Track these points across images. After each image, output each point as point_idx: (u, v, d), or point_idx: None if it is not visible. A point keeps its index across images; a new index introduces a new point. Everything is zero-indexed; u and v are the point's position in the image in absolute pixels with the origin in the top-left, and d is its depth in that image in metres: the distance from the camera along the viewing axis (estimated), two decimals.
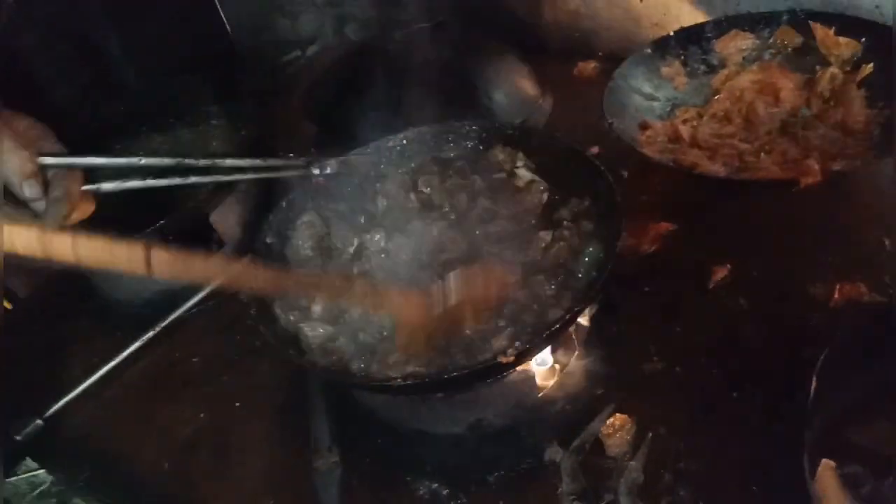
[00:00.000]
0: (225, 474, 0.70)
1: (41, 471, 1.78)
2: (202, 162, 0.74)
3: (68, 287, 1.02)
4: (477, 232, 0.70)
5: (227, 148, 1.02)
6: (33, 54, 1.49)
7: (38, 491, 1.77)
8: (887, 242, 0.71)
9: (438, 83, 1.00)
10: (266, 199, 0.83)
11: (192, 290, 0.88)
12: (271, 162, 0.77)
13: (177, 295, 0.88)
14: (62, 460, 0.78)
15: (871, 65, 0.83)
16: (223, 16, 1.21)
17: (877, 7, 0.86)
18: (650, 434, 0.61)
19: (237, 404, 0.77)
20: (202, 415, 0.77)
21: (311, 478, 0.65)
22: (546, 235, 0.67)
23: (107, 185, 0.69)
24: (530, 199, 0.73)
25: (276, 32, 1.33)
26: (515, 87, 1.07)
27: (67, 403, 0.80)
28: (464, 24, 1.13)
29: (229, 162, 0.76)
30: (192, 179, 0.73)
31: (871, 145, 0.76)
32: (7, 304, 1.36)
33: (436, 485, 0.63)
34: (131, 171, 0.71)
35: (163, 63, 1.19)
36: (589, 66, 1.11)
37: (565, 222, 0.68)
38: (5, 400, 0.81)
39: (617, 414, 0.61)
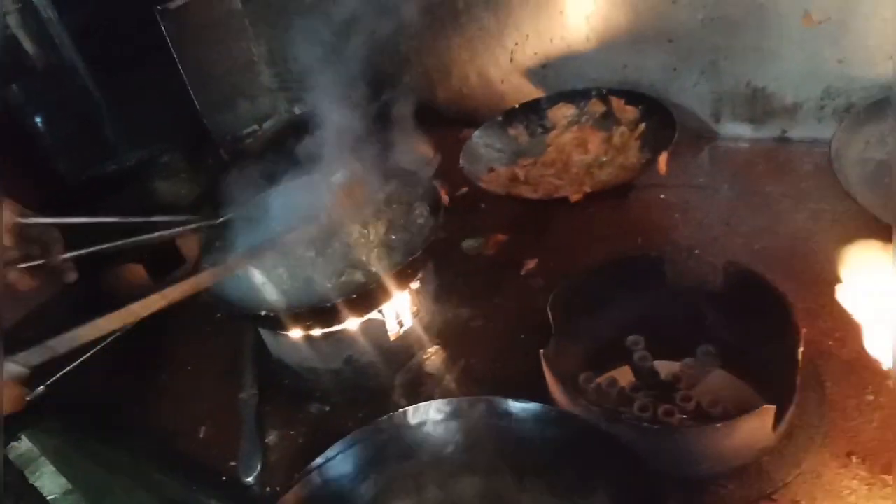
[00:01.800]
0: (179, 409, 0.98)
1: None
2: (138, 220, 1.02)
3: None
4: None
5: (192, 195, 1.35)
6: (41, 130, 1.87)
7: None
8: (640, 240, 1.04)
9: (352, 147, 1.36)
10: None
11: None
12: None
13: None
14: (67, 409, 1.05)
15: (644, 124, 1.19)
16: (195, 99, 1.56)
17: (651, 85, 1.23)
18: (463, 361, 0.91)
19: (189, 368, 1.06)
20: (163, 376, 1.05)
21: (237, 406, 0.94)
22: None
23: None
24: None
25: (238, 111, 1.69)
26: (413, 149, 1.41)
27: (69, 371, 1.08)
28: (376, 102, 1.50)
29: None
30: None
31: (634, 176, 1.11)
32: None
33: (321, 405, 0.92)
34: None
35: (147, 134, 1.53)
36: (472, 132, 1.46)
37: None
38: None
39: (435, 347, 0.92)
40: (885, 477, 0.67)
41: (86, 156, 1.80)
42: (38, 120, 2.31)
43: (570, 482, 0.70)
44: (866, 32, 1.01)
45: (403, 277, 0.90)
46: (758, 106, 1.16)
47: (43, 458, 1.62)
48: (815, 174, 1.06)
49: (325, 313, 0.86)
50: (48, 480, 2.04)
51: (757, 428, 0.67)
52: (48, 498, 1.80)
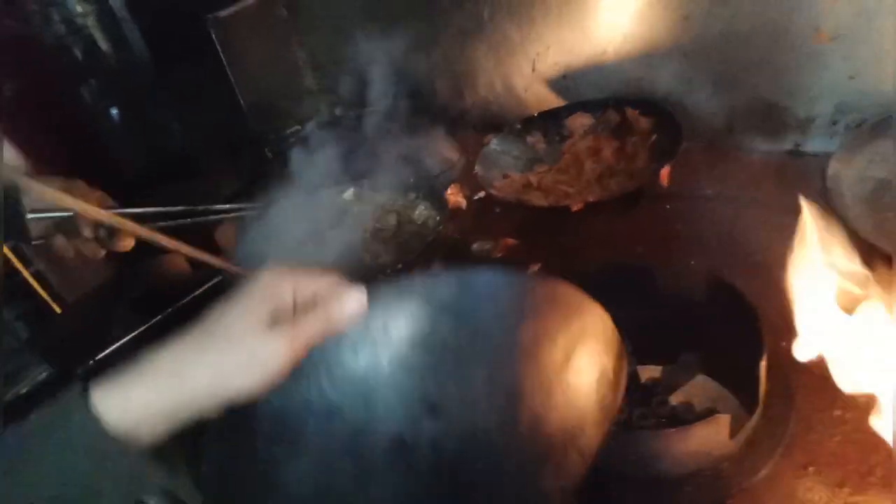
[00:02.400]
0: None
1: None
2: (202, 207, 1.15)
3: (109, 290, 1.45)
4: None
5: (234, 188, 1.45)
6: (115, 127, 2.04)
7: None
8: (640, 248, 1.08)
9: (384, 149, 1.44)
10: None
11: (193, 285, 1.29)
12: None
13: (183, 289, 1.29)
14: None
15: (656, 135, 1.21)
16: (241, 100, 1.68)
17: (666, 96, 1.25)
18: None
19: None
20: None
21: None
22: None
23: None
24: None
25: (281, 112, 1.79)
26: (438, 152, 1.48)
27: (111, 353, 1.20)
28: (407, 106, 1.58)
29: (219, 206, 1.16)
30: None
31: (640, 187, 1.14)
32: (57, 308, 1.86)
33: None
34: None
35: (196, 132, 1.66)
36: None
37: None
38: (71, 349, 1.23)
39: None
40: (839, 490, 0.69)
41: (144, 149, 1.95)
42: (111, 113, 2.48)
43: None
44: (878, 49, 1.01)
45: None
46: (770, 119, 1.16)
47: None
48: (824, 190, 1.07)
49: None
50: None
51: (712, 435, 0.71)
52: None
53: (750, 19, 1.09)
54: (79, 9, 2.52)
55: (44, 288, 2.25)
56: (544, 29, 1.33)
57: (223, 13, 1.58)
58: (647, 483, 0.74)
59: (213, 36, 1.58)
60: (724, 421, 0.70)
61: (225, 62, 1.62)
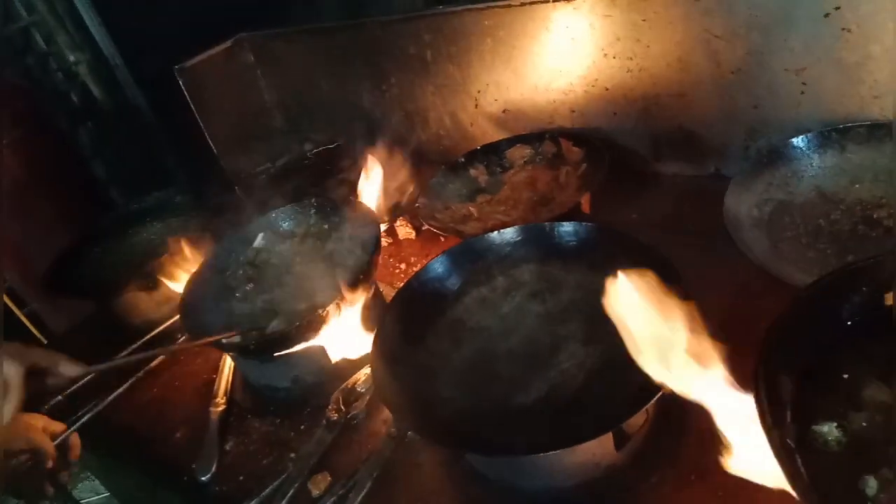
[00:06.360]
0: (164, 419, 1.16)
1: None
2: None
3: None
4: None
5: (198, 231, 1.53)
6: (108, 164, 2.13)
7: None
8: None
9: (338, 180, 1.53)
10: None
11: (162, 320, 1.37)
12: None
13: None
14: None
15: (585, 165, 1.29)
16: (211, 143, 1.77)
17: (597, 128, 1.33)
18: None
19: (176, 384, 1.23)
20: (155, 390, 1.23)
21: (209, 416, 1.10)
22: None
23: None
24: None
25: (252, 152, 1.88)
26: (392, 182, 1.56)
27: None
28: (363, 142, 1.66)
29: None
30: None
31: (565, 215, 1.21)
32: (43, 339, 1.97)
33: (273, 417, 1.07)
34: None
35: (167, 175, 1.75)
36: None
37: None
38: None
39: (363, 371, 1.05)
40: (717, 493, 0.75)
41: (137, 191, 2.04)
42: (107, 155, 2.59)
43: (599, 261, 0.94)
44: (774, 81, 1.08)
45: (342, 306, 1.04)
46: (690, 147, 1.24)
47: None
48: None
49: (272, 340, 1.02)
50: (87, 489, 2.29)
51: (599, 448, 0.77)
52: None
53: (659, 57, 1.17)
54: (72, 57, 2.65)
55: (34, 325, 2.36)
56: (480, 70, 1.42)
57: (189, 62, 1.68)
58: (544, 491, 0.80)
59: (181, 83, 1.67)
60: (607, 440, 0.76)
61: (194, 108, 1.72)
